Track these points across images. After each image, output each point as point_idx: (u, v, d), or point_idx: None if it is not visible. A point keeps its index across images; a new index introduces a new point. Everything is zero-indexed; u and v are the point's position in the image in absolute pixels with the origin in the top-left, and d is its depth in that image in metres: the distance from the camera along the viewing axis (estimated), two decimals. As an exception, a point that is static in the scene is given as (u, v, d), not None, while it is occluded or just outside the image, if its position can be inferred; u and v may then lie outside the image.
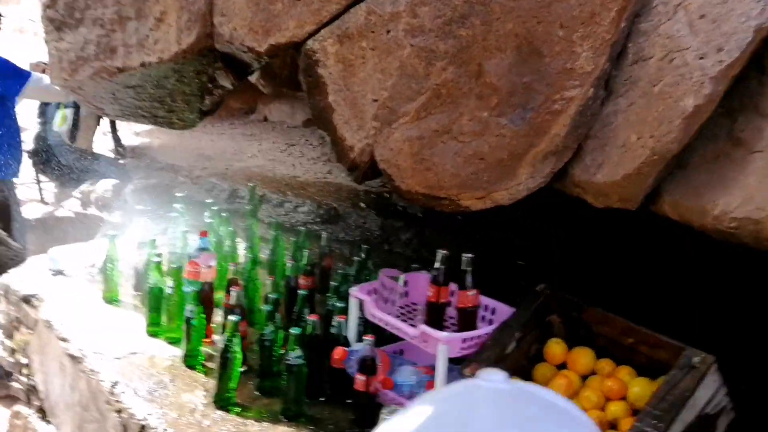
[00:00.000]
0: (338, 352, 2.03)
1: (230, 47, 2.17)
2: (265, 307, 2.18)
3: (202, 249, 2.52)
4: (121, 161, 4.61)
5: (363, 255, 2.60)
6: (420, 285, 2.20)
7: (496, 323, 1.98)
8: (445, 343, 1.86)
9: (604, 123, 1.69)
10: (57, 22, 2.47)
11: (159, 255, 2.52)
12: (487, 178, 1.77)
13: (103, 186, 4.13)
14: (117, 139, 4.83)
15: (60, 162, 4.45)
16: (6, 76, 3.52)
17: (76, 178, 4.50)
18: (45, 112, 4.43)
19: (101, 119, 4.64)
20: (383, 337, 2.15)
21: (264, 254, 2.89)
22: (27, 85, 3.54)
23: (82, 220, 4.04)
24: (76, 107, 4.38)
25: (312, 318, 2.08)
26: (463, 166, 1.79)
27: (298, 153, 4.69)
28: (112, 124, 4.80)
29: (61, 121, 4.39)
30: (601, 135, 1.70)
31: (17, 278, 2.98)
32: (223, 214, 3.07)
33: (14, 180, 3.85)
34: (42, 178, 4.64)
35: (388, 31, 1.86)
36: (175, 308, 2.38)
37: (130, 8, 2.30)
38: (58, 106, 4.39)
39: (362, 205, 3.75)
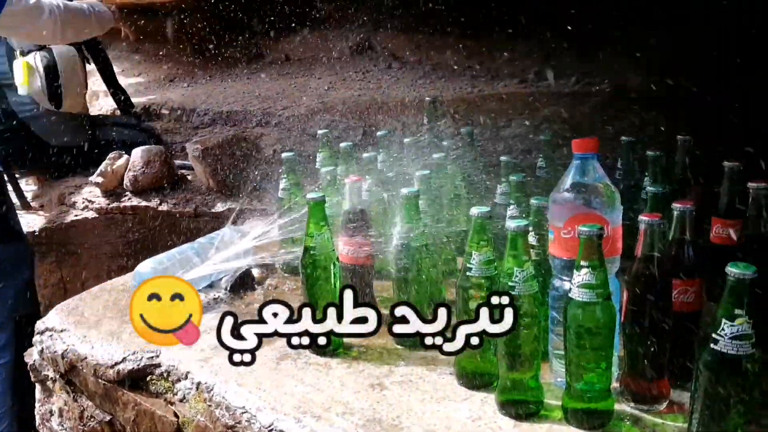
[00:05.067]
0: None
1: None
2: None
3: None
4: (143, 122, 2.98)
5: None
6: None
7: None
8: None
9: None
10: None
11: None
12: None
13: (141, 157, 2.46)
14: (122, 94, 3.18)
15: (42, 140, 2.72)
16: None
17: (75, 161, 2.80)
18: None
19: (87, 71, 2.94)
20: None
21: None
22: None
23: (124, 220, 2.44)
24: (49, 53, 2.71)
25: None
26: None
27: (378, 79, 3.36)
28: (110, 75, 3.15)
29: (25, 78, 2.66)
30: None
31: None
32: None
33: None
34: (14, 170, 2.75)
35: None
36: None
37: None
38: (10, 55, 2.67)
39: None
